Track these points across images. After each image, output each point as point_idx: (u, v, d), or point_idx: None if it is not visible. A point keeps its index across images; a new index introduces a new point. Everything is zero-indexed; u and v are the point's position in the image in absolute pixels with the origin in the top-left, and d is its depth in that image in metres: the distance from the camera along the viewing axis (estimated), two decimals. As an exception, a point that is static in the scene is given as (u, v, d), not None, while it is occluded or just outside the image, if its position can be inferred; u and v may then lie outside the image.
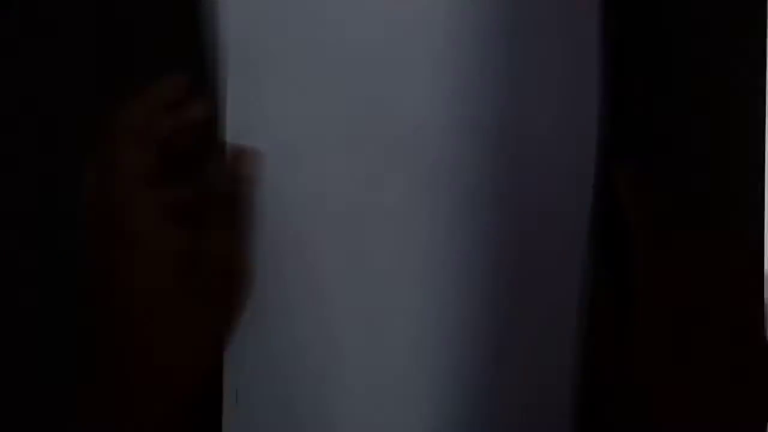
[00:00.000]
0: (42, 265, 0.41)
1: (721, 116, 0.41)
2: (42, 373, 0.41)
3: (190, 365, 0.36)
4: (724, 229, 0.40)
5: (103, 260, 0.35)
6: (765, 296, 0.39)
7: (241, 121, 0.41)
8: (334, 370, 0.40)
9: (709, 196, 0.41)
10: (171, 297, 0.35)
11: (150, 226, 0.35)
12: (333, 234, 0.40)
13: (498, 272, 0.40)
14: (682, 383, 0.36)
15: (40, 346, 0.41)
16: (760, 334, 0.37)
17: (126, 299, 0.34)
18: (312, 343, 0.40)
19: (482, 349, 0.40)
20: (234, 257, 0.36)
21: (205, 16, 0.41)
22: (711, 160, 0.41)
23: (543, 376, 0.40)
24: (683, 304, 0.37)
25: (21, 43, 0.42)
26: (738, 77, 0.42)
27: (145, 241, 0.35)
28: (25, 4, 0.42)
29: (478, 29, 0.41)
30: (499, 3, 0.41)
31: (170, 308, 0.35)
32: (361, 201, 0.41)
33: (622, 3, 0.41)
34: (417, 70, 0.41)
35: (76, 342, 0.37)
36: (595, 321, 0.39)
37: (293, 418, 0.40)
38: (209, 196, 0.37)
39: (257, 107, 0.41)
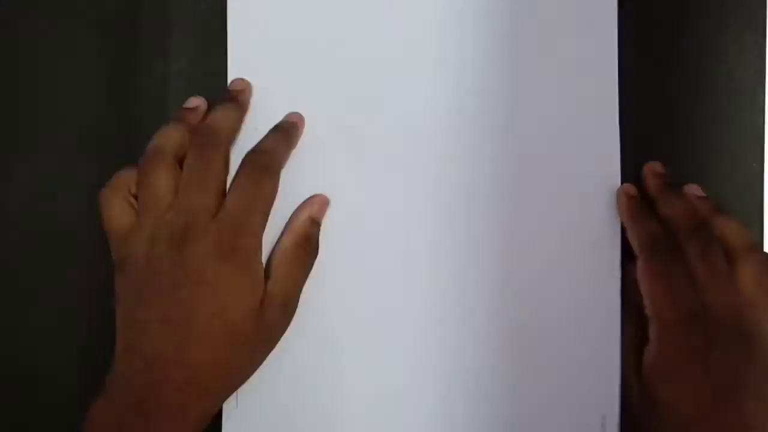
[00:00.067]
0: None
1: (721, 116, 0.41)
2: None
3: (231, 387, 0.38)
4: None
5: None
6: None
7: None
8: (334, 372, 0.40)
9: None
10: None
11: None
12: (333, 234, 0.40)
13: (499, 272, 0.40)
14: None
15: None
16: None
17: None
18: (312, 345, 0.40)
19: (484, 351, 0.40)
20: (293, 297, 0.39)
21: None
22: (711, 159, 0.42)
23: (544, 377, 0.40)
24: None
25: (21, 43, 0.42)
26: (738, 77, 0.42)
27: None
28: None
29: (480, 29, 0.41)
30: (500, 2, 0.41)
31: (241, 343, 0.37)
32: (362, 201, 0.41)
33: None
34: (418, 70, 0.41)
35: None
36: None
37: (293, 420, 0.40)
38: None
39: (258, 107, 0.41)
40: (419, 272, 0.40)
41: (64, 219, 0.41)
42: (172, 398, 0.35)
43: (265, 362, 0.39)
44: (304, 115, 0.41)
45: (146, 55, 0.41)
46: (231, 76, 0.41)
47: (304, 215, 0.39)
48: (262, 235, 0.38)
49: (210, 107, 0.41)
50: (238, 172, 0.38)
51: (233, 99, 0.40)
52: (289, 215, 0.40)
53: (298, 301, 0.39)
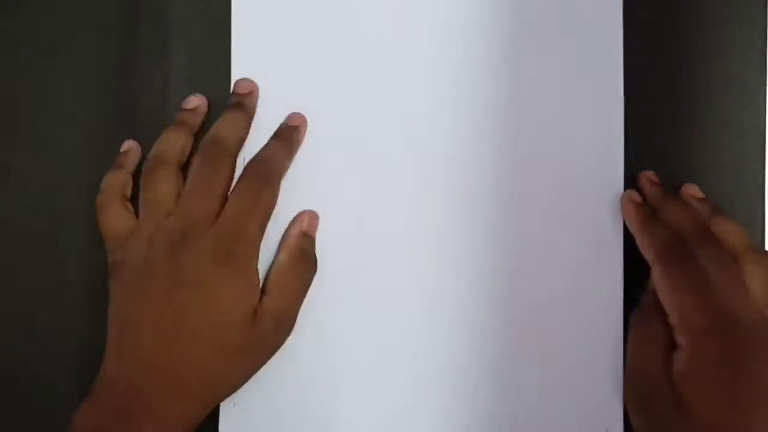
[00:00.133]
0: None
1: (721, 116, 0.41)
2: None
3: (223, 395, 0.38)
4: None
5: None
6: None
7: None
8: (331, 373, 0.40)
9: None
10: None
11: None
12: (333, 234, 0.40)
13: (500, 272, 0.40)
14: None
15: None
16: None
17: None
18: (310, 345, 0.40)
19: (485, 360, 0.40)
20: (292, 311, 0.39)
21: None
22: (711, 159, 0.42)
23: (546, 388, 0.40)
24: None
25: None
26: (738, 77, 0.42)
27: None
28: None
29: (483, 30, 0.41)
30: (502, 3, 0.41)
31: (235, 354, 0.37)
32: (362, 201, 0.40)
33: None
34: (419, 70, 0.41)
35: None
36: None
37: (290, 420, 0.40)
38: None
39: (260, 107, 0.41)
40: (420, 273, 0.40)
41: (64, 219, 0.41)
42: (155, 403, 0.35)
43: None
44: (305, 114, 0.41)
45: (146, 55, 0.41)
46: (234, 76, 0.41)
47: (295, 231, 0.40)
48: (259, 243, 0.38)
49: (211, 106, 0.41)
50: (238, 181, 0.38)
51: (239, 105, 0.40)
52: (289, 217, 0.40)
53: (295, 317, 0.39)
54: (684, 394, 0.36)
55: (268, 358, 0.39)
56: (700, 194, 0.40)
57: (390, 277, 0.40)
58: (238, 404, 0.39)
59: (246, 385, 0.38)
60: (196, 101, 0.40)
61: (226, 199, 0.38)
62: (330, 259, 0.40)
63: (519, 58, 0.41)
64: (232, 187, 0.39)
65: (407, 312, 0.40)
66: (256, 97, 0.41)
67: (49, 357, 0.41)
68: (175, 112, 0.41)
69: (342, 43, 0.41)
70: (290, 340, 0.39)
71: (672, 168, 0.41)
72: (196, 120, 0.40)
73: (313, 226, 0.40)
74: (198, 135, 0.40)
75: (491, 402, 0.40)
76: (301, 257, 0.39)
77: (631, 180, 0.41)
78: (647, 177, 0.40)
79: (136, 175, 0.40)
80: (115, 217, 0.39)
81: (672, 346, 0.37)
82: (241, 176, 0.39)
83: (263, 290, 0.38)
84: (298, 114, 0.41)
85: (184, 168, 0.39)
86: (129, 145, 0.41)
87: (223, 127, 0.39)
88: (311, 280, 0.39)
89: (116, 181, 0.39)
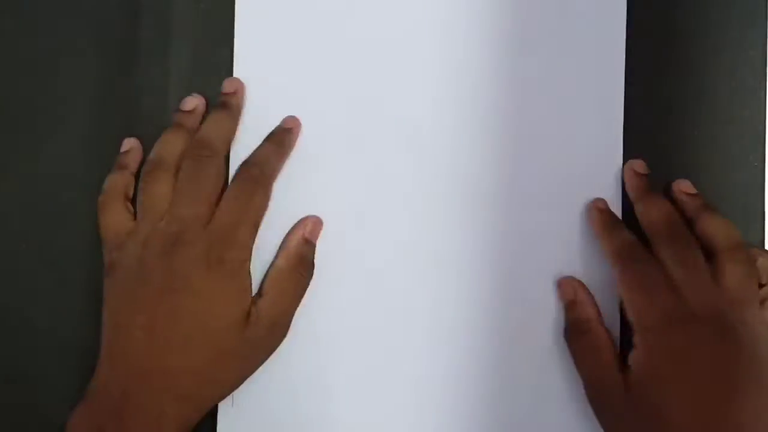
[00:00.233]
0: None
1: (722, 115, 0.41)
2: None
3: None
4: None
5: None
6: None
7: (244, 121, 0.41)
8: (330, 374, 0.40)
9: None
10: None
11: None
12: (332, 235, 0.40)
13: (500, 272, 0.40)
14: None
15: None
16: None
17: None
18: (308, 346, 0.40)
19: (486, 352, 0.40)
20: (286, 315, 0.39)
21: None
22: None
23: (546, 378, 0.40)
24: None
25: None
26: (738, 76, 0.42)
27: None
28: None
29: (483, 30, 0.41)
30: (503, 2, 0.41)
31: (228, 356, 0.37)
32: (362, 201, 0.40)
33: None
34: (419, 70, 0.41)
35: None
36: None
37: (288, 420, 0.40)
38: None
39: (259, 107, 0.41)
40: (419, 273, 0.40)
41: (64, 219, 0.41)
42: (148, 405, 0.35)
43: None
44: (305, 114, 0.41)
45: (146, 55, 0.41)
46: (236, 75, 0.41)
47: (297, 236, 0.40)
48: (251, 246, 0.38)
49: (211, 106, 0.41)
50: (230, 184, 0.39)
51: (225, 106, 0.40)
52: (291, 216, 0.40)
53: (290, 322, 0.39)
54: (638, 391, 0.36)
55: (262, 361, 0.39)
56: (691, 189, 0.40)
57: (390, 278, 0.40)
58: (237, 405, 0.39)
59: (245, 387, 0.38)
60: (193, 102, 0.41)
61: (217, 199, 0.38)
62: (329, 260, 0.40)
63: (519, 58, 0.41)
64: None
65: (407, 313, 0.40)
66: (242, 96, 0.41)
67: (49, 357, 0.41)
68: (173, 113, 0.41)
69: (343, 43, 0.41)
70: (290, 342, 0.39)
71: (671, 167, 0.41)
72: (195, 121, 0.40)
73: (315, 233, 0.40)
74: (199, 135, 0.40)
75: (490, 402, 0.40)
76: (300, 263, 0.39)
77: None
78: (631, 166, 0.40)
79: (138, 176, 0.40)
80: (114, 218, 0.39)
81: (616, 352, 0.38)
82: (233, 179, 0.39)
83: (259, 293, 0.38)
84: (292, 117, 0.41)
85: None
86: (130, 144, 0.40)
87: (208, 128, 0.39)
88: (307, 286, 0.39)
89: (118, 182, 0.40)
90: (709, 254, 0.38)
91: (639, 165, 0.40)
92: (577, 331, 0.39)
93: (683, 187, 0.40)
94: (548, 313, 0.40)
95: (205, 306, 0.36)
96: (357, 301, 0.40)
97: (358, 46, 0.41)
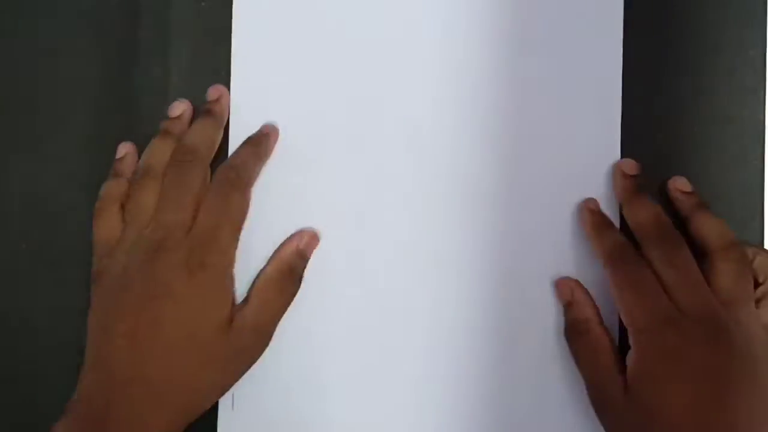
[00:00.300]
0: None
1: (721, 115, 0.41)
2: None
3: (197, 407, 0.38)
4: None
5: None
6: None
7: (245, 122, 0.41)
8: (329, 375, 0.40)
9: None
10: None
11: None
12: (332, 234, 0.40)
13: (500, 273, 0.40)
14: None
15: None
16: None
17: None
18: (307, 347, 0.40)
19: (485, 352, 0.40)
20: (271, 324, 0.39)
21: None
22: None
23: (546, 379, 0.40)
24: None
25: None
26: (738, 76, 0.42)
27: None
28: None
29: (483, 30, 0.41)
30: (503, 2, 0.41)
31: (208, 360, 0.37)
32: (363, 201, 0.40)
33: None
34: (419, 70, 0.41)
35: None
36: None
37: (288, 422, 0.40)
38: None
39: (260, 108, 0.41)
40: (419, 274, 0.40)
41: (64, 219, 0.41)
42: (131, 415, 0.35)
43: (261, 364, 0.38)
44: (305, 114, 0.41)
45: (146, 54, 0.41)
46: (234, 76, 0.41)
47: (291, 246, 0.40)
48: (233, 251, 0.38)
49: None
50: (209, 189, 0.38)
51: (209, 113, 0.40)
52: (291, 215, 0.40)
53: (273, 329, 0.39)
54: (635, 392, 0.36)
55: (244, 370, 0.38)
56: (686, 187, 0.40)
57: (389, 278, 0.40)
58: (237, 407, 0.39)
59: (244, 388, 0.38)
60: (180, 108, 0.41)
61: (200, 205, 0.38)
62: (330, 260, 0.40)
63: (518, 58, 0.41)
64: None
65: (406, 312, 0.40)
66: (226, 102, 0.41)
67: (49, 357, 0.41)
68: (160, 120, 0.41)
69: (342, 42, 0.41)
70: (291, 343, 0.39)
71: (671, 167, 0.41)
72: (182, 128, 0.40)
73: (310, 247, 0.40)
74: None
75: (489, 402, 0.40)
76: (289, 274, 0.39)
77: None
78: (621, 168, 0.40)
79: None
80: (106, 225, 0.39)
81: (616, 353, 0.38)
82: (211, 184, 0.39)
83: (245, 300, 0.38)
84: (270, 124, 0.41)
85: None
86: (126, 149, 0.40)
87: (192, 135, 0.39)
88: (292, 297, 0.39)
89: (113, 189, 0.40)
90: (703, 254, 0.38)
91: (628, 166, 0.40)
92: (575, 332, 0.39)
93: (679, 184, 0.40)
94: (548, 313, 0.40)
95: (187, 313, 0.36)
96: (357, 301, 0.40)
97: (358, 45, 0.41)
